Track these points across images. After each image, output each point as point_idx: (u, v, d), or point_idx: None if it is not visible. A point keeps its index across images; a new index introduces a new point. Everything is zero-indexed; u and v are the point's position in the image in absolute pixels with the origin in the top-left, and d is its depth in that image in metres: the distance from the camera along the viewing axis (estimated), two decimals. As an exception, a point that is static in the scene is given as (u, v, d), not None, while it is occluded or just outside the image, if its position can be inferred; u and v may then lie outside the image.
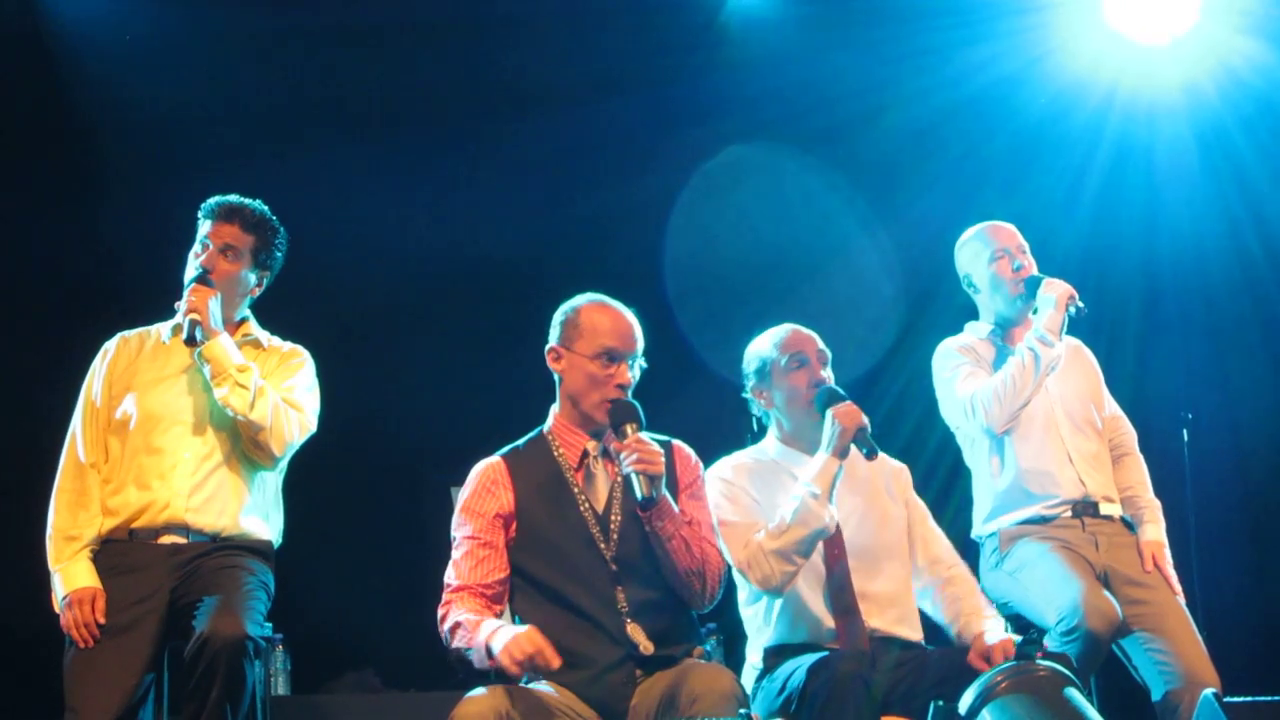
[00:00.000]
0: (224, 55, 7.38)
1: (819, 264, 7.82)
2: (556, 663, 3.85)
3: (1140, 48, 7.53)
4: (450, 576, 4.19)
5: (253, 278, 4.96)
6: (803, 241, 7.87)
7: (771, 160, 7.83)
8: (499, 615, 4.16)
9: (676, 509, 4.17)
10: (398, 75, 7.62)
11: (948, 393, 5.34)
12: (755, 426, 5.00)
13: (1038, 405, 5.22)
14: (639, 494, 4.05)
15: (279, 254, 5.02)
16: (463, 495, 4.29)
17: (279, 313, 5.14)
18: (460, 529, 4.24)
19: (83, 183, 7.20)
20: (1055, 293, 5.20)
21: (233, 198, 4.97)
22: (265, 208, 5.00)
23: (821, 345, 4.79)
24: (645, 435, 4.15)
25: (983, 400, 5.15)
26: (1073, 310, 5.19)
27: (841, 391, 4.64)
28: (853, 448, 4.54)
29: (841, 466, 4.52)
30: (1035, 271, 5.35)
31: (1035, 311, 5.26)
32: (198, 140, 7.24)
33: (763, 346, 4.84)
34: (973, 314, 5.56)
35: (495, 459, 4.33)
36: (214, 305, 4.77)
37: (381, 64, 7.59)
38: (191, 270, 4.87)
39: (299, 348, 5.06)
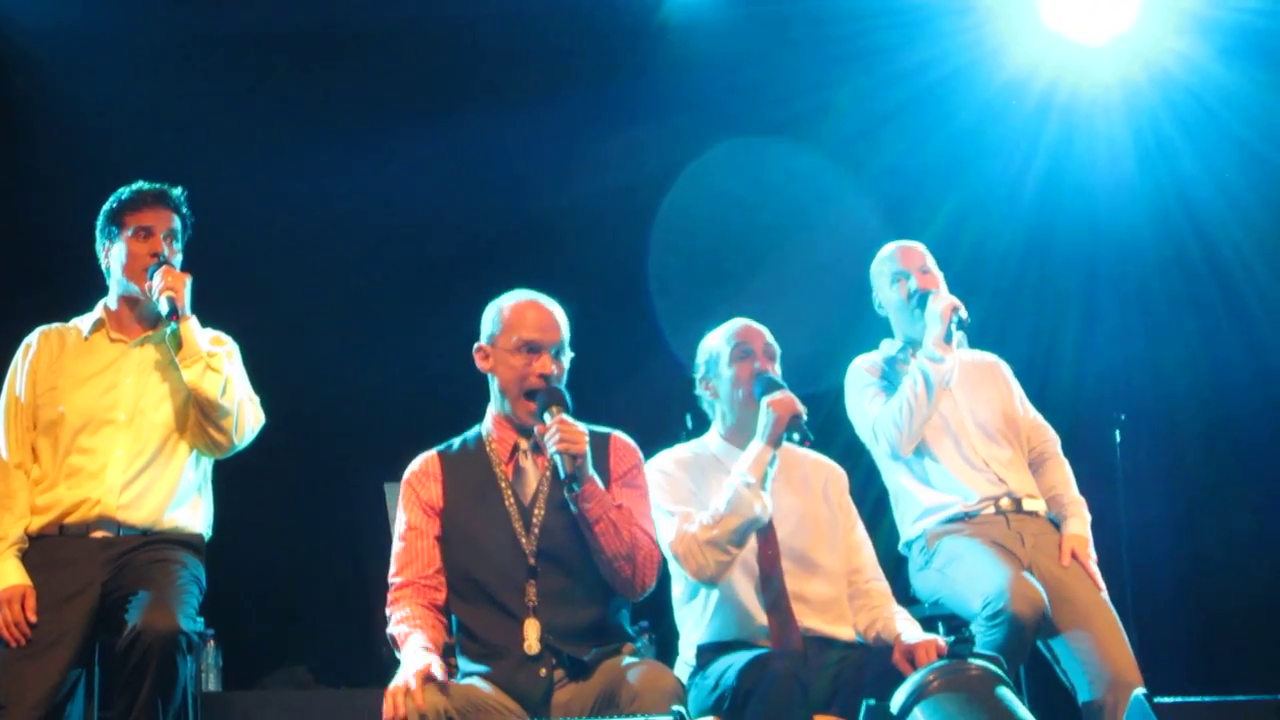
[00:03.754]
0: (157, 47, 7.33)
1: (762, 263, 7.82)
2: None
3: (1078, 47, 7.59)
4: (391, 570, 4.24)
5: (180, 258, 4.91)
6: (747, 240, 7.87)
7: (711, 161, 7.82)
8: (443, 605, 4.20)
9: (606, 493, 4.18)
10: (336, 72, 7.59)
11: (856, 414, 5.37)
12: (689, 424, 4.98)
13: (948, 418, 5.25)
14: (563, 473, 4.08)
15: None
16: (401, 487, 4.33)
17: (213, 303, 5.07)
18: (399, 522, 4.29)
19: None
20: (939, 307, 5.19)
21: (151, 184, 4.88)
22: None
23: (770, 340, 4.80)
24: (577, 423, 4.14)
25: (882, 426, 5.19)
26: (955, 321, 5.18)
27: (780, 381, 4.63)
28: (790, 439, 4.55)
29: (775, 455, 4.51)
30: (939, 286, 5.33)
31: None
32: (121, 129, 7.15)
33: (713, 339, 4.85)
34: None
35: (431, 453, 4.37)
36: (189, 286, 4.73)
37: (321, 61, 7.56)
38: (140, 260, 4.78)
39: (223, 335, 4.96)
